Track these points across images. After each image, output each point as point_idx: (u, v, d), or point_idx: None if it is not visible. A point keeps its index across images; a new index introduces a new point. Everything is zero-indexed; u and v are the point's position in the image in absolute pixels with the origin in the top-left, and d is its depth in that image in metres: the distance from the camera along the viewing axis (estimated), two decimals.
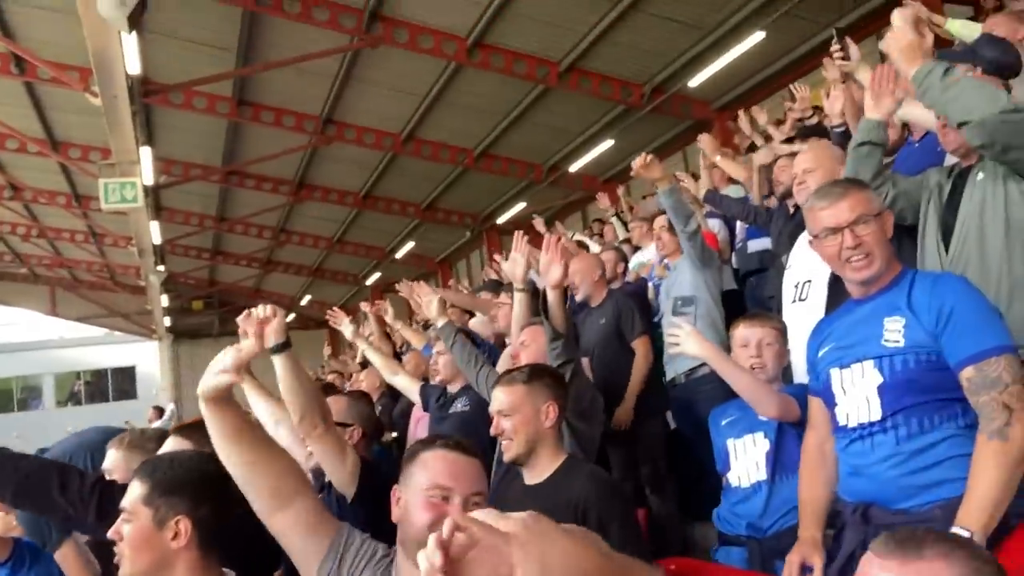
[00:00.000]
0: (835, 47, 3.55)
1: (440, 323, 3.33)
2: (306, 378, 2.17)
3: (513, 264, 3.00)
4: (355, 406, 2.63)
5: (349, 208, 16.14)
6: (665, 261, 4.53)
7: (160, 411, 17.27)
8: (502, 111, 11.91)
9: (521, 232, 3.02)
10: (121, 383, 34.49)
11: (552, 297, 2.59)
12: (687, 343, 2.44)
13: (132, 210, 10.86)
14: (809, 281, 2.66)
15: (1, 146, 13.60)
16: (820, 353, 1.96)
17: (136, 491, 1.64)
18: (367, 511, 2.05)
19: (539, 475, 2.09)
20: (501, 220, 15.55)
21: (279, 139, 12.75)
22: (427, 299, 3.51)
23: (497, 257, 8.56)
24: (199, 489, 1.65)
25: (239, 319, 1.97)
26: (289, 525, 1.58)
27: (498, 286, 5.24)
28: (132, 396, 31.04)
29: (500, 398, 2.11)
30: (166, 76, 10.82)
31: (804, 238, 2.40)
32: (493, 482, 2.60)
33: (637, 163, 3.64)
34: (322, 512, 1.64)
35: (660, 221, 4.28)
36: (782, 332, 2.49)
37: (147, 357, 29.86)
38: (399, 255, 17.98)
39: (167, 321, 22.29)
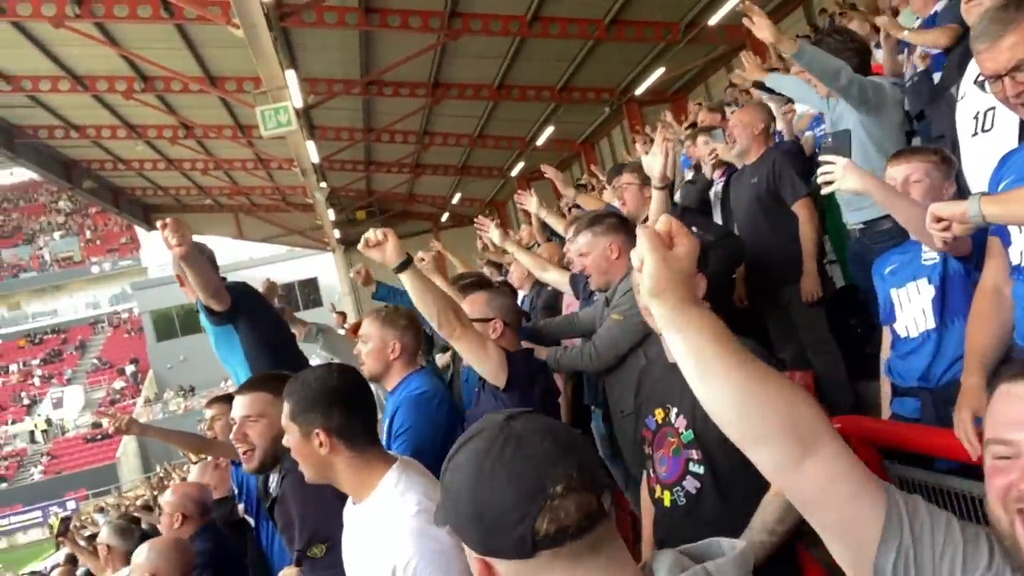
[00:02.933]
0: None
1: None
2: (433, 288, 2.31)
3: (653, 159, 2.98)
4: (495, 299, 2.67)
5: (484, 102, 16.12)
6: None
7: (343, 316, 18.86)
8: None
9: (661, 126, 2.93)
10: (308, 293, 38.08)
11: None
12: (844, 178, 2.20)
13: (289, 133, 11.56)
14: (993, 108, 2.36)
15: (167, 89, 14.82)
16: (1000, 187, 1.78)
17: (285, 411, 1.88)
18: (518, 397, 2.19)
19: None
20: (639, 91, 14.87)
21: (409, 42, 12.83)
22: (490, 232, 3.80)
23: (643, 139, 8.25)
24: (328, 403, 1.83)
25: (359, 247, 2.24)
26: (825, 478, 0.99)
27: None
28: (319, 304, 34.17)
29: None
30: None
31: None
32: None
33: (746, 19, 3.13)
34: (857, 462, 1.02)
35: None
36: (936, 165, 2.28)
37: (326, 268, 32.50)
38: (540, 142, 17.85)
39: (337, 233, 23.91)
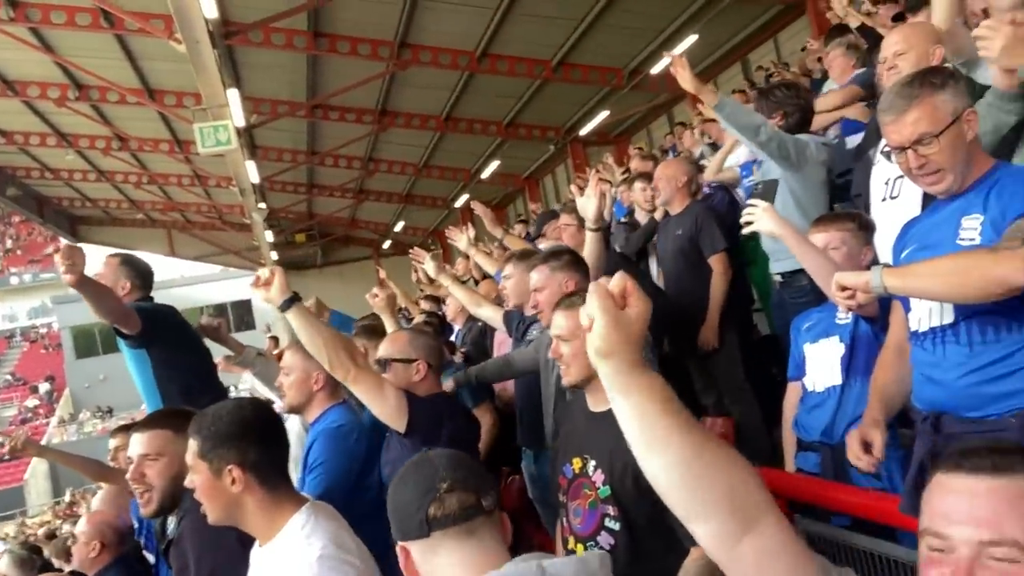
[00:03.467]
0: None
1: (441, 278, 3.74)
2: (321, 328, 2.20)
3: (587, 201, 3.00)
4: (417, 339, 2.57)
5: (431, 132, 16.17)
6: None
7: (276, 340, 18.41)
8: (577, 16, 11.43)
9: (598, 168, 2.98)
10: (241, 315, 37.01)
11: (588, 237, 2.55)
12: (761, 220, 2.29)
13: (227, 152, 11.30)
14: (901, 177, 2.48)
15: (103, 99, 14.37)
16: (902, 255, 1.87)
17: (192, 447, 1.77)
18: (420, 442, 2.08)
19: (604, 402, 1.98)
20: (584, 131, 15.18)
21: (358, 68, 12.81)
22: (426, 264, 3.85)
23: (578, 182, 8.40)
24: (242, 438, 1.76)
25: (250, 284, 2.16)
26: (763, 555, 0.98)
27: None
28: (251, 327, 33.23)
29: (560, 323, 2.04)
30: (244, 15, 10.99)
31: None
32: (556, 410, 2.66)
33: (671, 65, 3.24)
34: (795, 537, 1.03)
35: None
36: (853, 232, 2.37)
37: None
38: (485, 175, 17.97)
39: (274, 255, 23.40)
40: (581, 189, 3.60)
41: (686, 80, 3.19)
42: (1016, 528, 0.93)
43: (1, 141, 17.02)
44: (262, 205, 16.66)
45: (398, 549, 1.33)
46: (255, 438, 1.78)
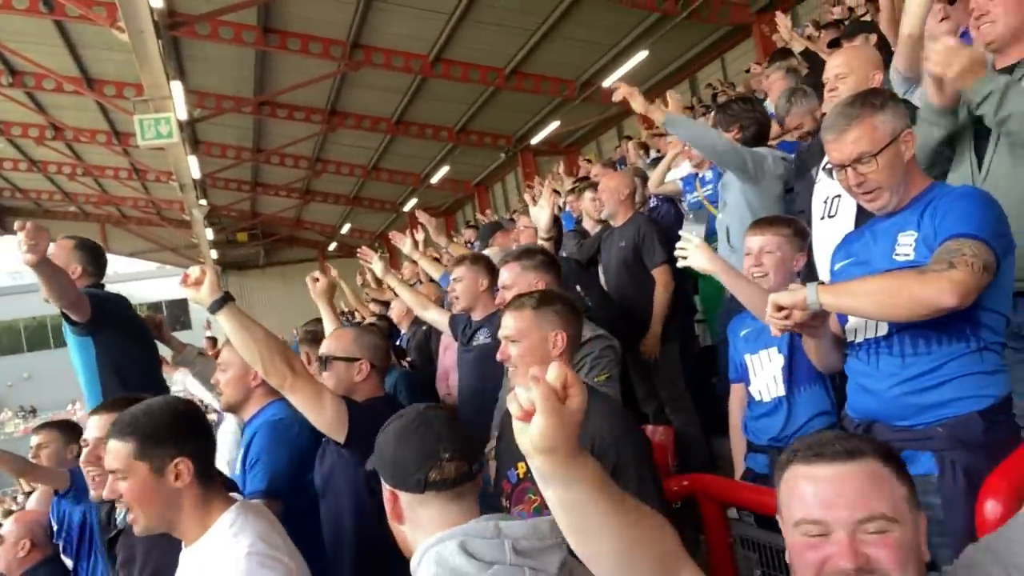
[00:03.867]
0: None
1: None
2: (255, 330, 2.07)
3: (540, 211, 3.00)
4: (362, 338, 2.46)
5: (382, 135, 16.04)
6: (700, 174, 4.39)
7: (214, 341, 17.90)
8: (531, 26, 11.54)
9: (549, 178, 3.00)
10: (176, 315, 35.85)
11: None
12: (693, 255, 2.35)
13: (168, 145, 10.98)
14: (839, 196, 2.57)
15: (38, 86, 13.80)
16: (835, 267, 1.93)
17: (124, 450, 1.69)
18: (359, 455, 1.97)
19: None
20: (535, 140, 15.30)
21: (308, 67, 12.63)
22: (373, 263, 3.89)
23: (529, 192, 8.45)
24: (184, 430, 1.73)
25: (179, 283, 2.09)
26: None
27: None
28: (187, 327, 32.21)
29: (508, 323, 2.03)
30: (191, 7, 10.72)
31: None
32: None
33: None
34: None
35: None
36: (788, 237, 2.44)
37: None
38: (434, 180, 17.92)
39: (214, 254, 22.81)
40: (534, 200, 3.61)
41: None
42: (881, 503, 1.06)
43: None
44: (203, 202, 16.23)
45: (386, 491, 1.48)
46: (192, 433, 1.75)
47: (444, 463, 1.42)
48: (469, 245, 7.39)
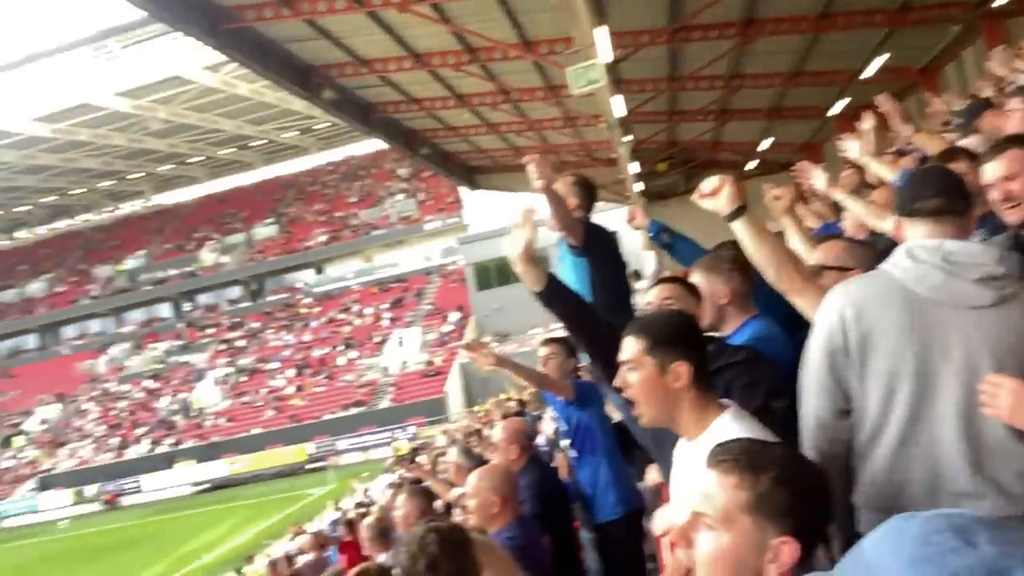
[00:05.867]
0: None
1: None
2: (769, 238, 2.20)
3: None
4: (855, 248, 2.49)
5: (802, 36, 14.78)
6: None
7: (637, 275, 19.11)
8: None
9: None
10: None
11: None
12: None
13: (597, 90, 11.82)
14: None
15: (489, 58, 16.05)
16: None
17: (637, 345, 1.96)
18: None
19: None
20: (1002, 1, 12.41)
21: None
22: (815, 178, 3.57)
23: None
24: (688, 339, 1.97)
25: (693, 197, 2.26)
26: None
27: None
28: None
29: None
30: None
31: None
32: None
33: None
34: None
35: None
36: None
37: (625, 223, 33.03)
38: (868, 73, 15.89)
39: (639, 186, 24.07)
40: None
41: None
42: None
43: (415, 108, 20.16)
44: (628, 138, 17.14)
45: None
46: (694, 343, 1.99)
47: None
48: (947, 126, 6.35)
